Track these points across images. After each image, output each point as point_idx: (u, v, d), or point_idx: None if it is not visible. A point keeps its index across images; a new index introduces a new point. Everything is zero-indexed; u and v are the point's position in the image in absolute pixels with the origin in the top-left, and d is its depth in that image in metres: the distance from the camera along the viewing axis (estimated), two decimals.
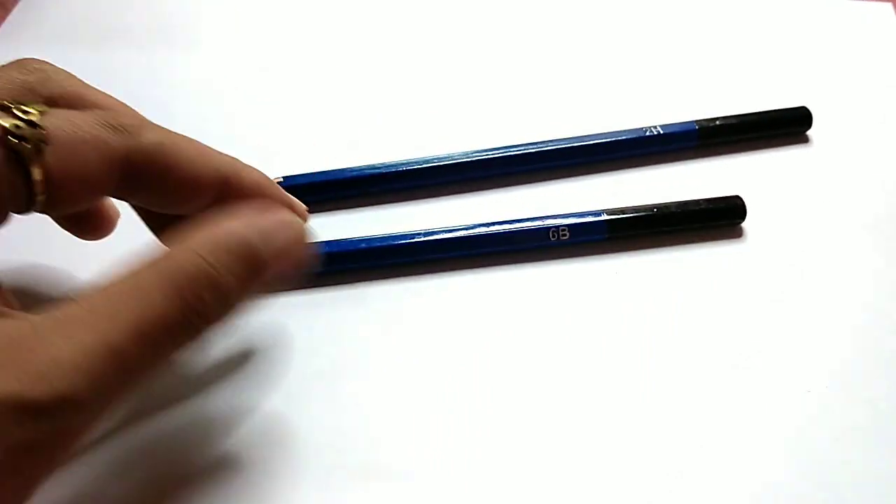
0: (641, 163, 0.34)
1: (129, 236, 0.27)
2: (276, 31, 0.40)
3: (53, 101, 0.24)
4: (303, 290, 0.29)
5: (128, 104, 0.25)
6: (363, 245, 0.29)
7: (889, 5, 0.41)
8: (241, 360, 0.27)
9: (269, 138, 0.34)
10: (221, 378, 0.27)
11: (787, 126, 0.35)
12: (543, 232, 0.30)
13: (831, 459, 0.25)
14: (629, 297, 0.29)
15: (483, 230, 0.30)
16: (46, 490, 0.18)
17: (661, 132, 0.34)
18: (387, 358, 0.27)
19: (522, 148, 0.33)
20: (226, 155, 0.24)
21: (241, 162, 0.24)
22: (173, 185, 0.22)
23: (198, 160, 0.23)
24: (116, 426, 0.25)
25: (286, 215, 0.22)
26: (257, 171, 0.24)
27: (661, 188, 0.32)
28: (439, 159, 0.32)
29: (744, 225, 0.31)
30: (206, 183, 0.23)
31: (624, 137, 0.33)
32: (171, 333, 0.19)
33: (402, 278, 0.29)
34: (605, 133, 0.34)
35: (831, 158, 0.34)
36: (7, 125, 0.19)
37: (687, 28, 0.40)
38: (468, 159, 0.32)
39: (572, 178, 0.33)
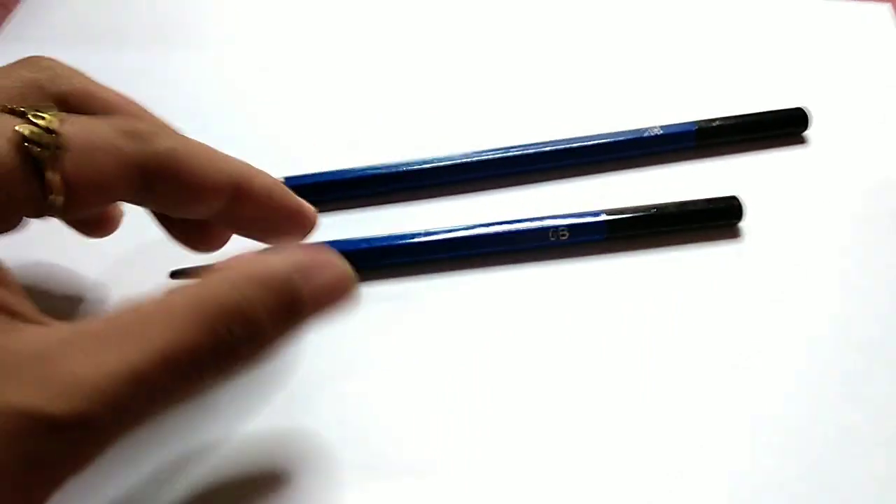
0: (640, 163, 0.34)
1: (132, 235, 0.28)
2: (276, 31, 0.40)
3: (63, 99, 0.25)
4: None
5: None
6: (363, 245, 0.30)
7: (887, 6, 0.41)
8: None
9: (270, 138, 0.35)
10: None
11: (785, 127, 0.35)
12: (543, 232, 0.30)
13: (831, 459, 0.25)
14: (628, 297, 0.29)
15: (483, 230, 0.30)
16: None
17: (661, 133, 0.34)
18: (387, 358, 0.27)
19: (522, 148, 0.33)
20: (237, 160, 0.24)
21: (252, 166, 0.24)
22: (186, 190, 0.22)
23: (210, 166, 0.23)
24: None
25: (330, 256, 0.22)
26: (268, 175, 0.24)
27: (660, 188, 0.33)
28: (439, 160, 0.33)
29: (741, 225, 0.31)
30: (219, 188, 0.23)
31: (623, 138, 0.33)
32: (198, 364, 0.19)
33: (403, 278, 0.30)
34: (604, 134, 0.34)
35: (828, 159, 0.34)
36: (25, 132, 0.19)
37: (686, 29, 0.40)
38: (468, 160, 0.33)
39: (572, 179, 0.33)
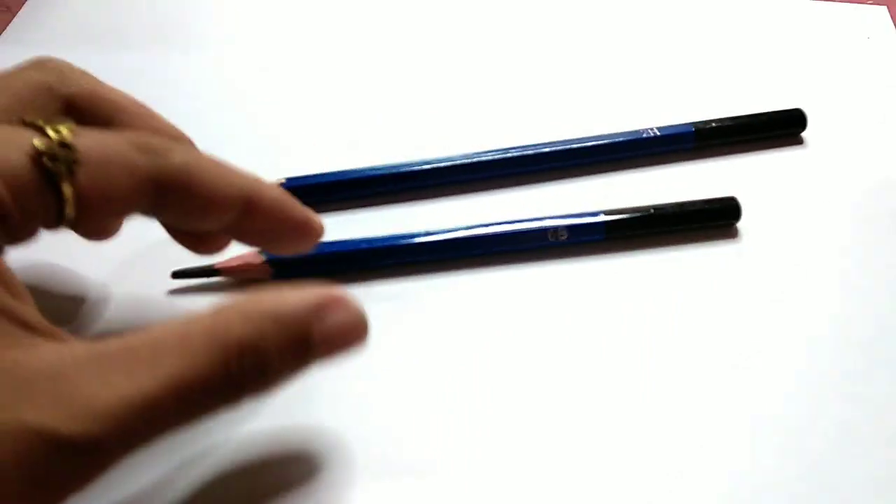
0: (639, 164, 0.34)
1: (134, 235, 0.28)
2: (276, 31, 0.40)
3: (71, 100, 0.25)
4: None
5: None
6: (364, 245, 0.30)
7: (884, 8, 0.41)
8: None
9: (270, 139, 0.35)
10: None
11: (783, 128, 0.35)
12: (542, 232, 0.30)
13: (831, 459, 0.25)
14: (627, 297, 0.29)
15: (482, 231, 0.30)
16: None
17: (659, 134, 0.34)
18: (387, 358, 0.27)
19: (522, 149, 0.33)
20: (247, 173, 0.24)
21: (262, 180, 0.24)
22: (198, 204, 0.23)
23: (221, 180, 0.23)
24: None
25: (345, 298, 0.22)
26: (278, 188, 0.24)
27: (659, 189, 0.33)
28: (439, 160, 0.33)
29: (739, 225, 0.31)
30: (231, 202, 0.23)
31: (622, 139, 0.34)
32: (207, 395, 0.19)
33: (403, 278, 0.30)
34: (603, 135, 0.34)
35: (826, 160, 0.34)
36: (41, 146, 0.20)
37: (684, 31, 0.40)
38: (468, 161, 0.33)
39: (571, 180, 0.33)
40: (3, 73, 0.25)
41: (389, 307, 0.29)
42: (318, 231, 0.25)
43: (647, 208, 0.31)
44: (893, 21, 0.41)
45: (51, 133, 0.20)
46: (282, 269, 0.29)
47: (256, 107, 0.36)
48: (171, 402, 0.18)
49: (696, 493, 0.24)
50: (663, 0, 0.42)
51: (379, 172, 0.32)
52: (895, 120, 0.36)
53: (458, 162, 0.33)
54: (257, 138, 0.34)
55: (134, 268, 0.29)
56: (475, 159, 0.33)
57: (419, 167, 0.32)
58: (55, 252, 0.29)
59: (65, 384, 0.17)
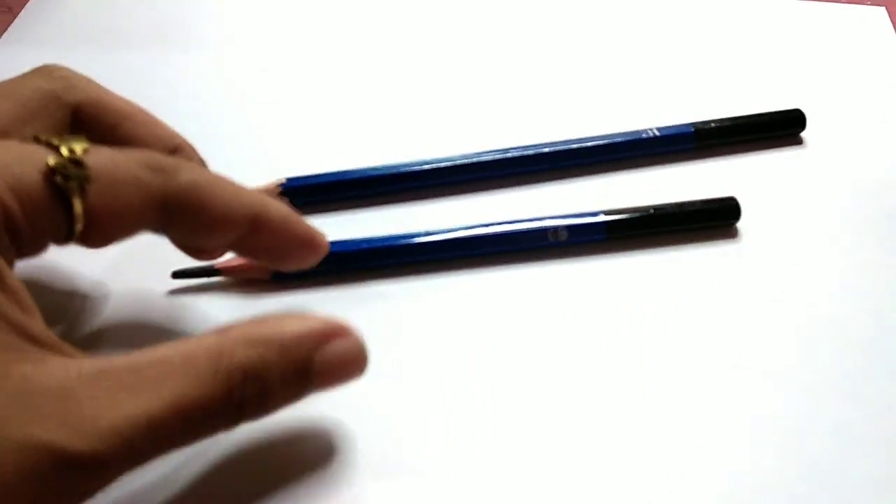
0: (639, 164, 0.34)
1: (132, 241, 0.28)
2: (276, 31, 0.40)
3: (78, 108, 0.25)
4: (305, 290, 0.29)
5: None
6: (364, 245, 0.30)
7: (882, 9, 0.42)
8: None
9: (270, 139, 0.35)
10: None
11: (782, 128, 0.35)
12: (542, 232, 0.30)
13: (831, 459, 0.25)
14: (627, 297, 0.29)
15: (482, 231, 0.30)
16: None
17: (658, 134, 0.34)
18: (387, 357, 0.27)
19: (522, 150, 0.33)
20: (254, 191, 0.24)
21: (268, 197, 0.24)
22: (206, 223, 0.23)
23: (229, 199, 0.23)
24: None
25: (346, 329, 0.23)
26: (283, 206, 0.25)
27: (658, 189, 0.33)
28: (439, 161, 0.33)
29: (739, 225, 0.31)
30: (237, 221, 0.23)
31: (622, 139, 0.34)
32: (209, 417, 0.20)
33: (403, 278, 0.30)
34: (603, 135, 0.34)
35: (825, 160, 0.34)
36: (53, 163, 0.20)
37: (684, 32, 0.40)
38: (468, 161, 0.33)
39: (571, 180, 0.33)
40: (10, 82, 0.25)
41: (389, 307, 0.29)
42: (323, 247, 0.26)
43: (647, 208, 0.31)
44: (892, 21, 0.41)
45: (64, 151, 0.20)
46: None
47: (256, 107, 0.36)
48: (174, 422, 0.19)
49: (696, 493, 0.24)
50: (663, 0, 0.42)
51: (379, 172, 0.32)
52: (894, 120, 0.36)
53: (458, 162, 0.33)
54: (257, 138, 0.35)
55: (133, 267, 0.29)
56: (475, 159, 0.33)
57: (419, 167, 0.32)
58: (55, 252, 0.29)
59: (72, 401, 0.18)
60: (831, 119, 0.36)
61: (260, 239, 0.24)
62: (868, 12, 0.41)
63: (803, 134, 0.35)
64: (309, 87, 0.37)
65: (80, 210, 0.20)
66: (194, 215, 0.23)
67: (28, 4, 0.41)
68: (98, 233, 0.21)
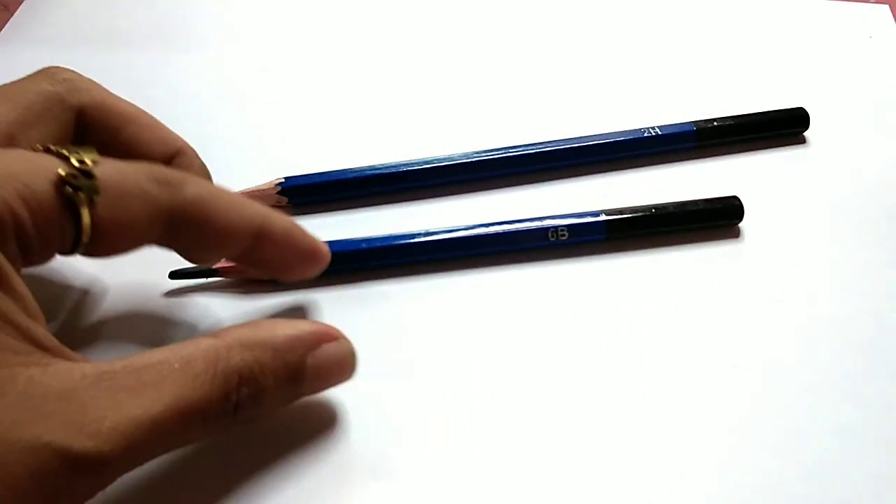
0: (640, 163, 0.34)
1: None
2: (276, 31, 0.40)
3: (82, 111, 0.25)
4: (305, 290, 0.29)
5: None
6: (364, 245, 0.30)
7: (886, 7, 0.41)
8: None
9: (270, 139, 0.35)
10: None
11: (785, 127, 0.35)
12: (543, 232, 0.30)
13: (831, 459, 0.25)
14: (628, 297, 0.29)
15: (483, 230, 0.30)
16: None
17: (660, 133, 0.34)
18: (387, 357, 0.27)
19: (522, 149, 0.33)
20: (258, 204, 0.25)
21: (271, 210, 0.25)
22: (210, 236, 0.23)
23: (233, 212, 0.23)
24: None
25: (337, 334, 0.24)
26: (287, 218, 0.25)
27: (660, 189, 0.33)
28: (439, 160, 0.33)
29: (741, 225, 0.31)
30: (241, 234, 0.24)
31: (622, 138, 0.34)
32: (206, 419, 0.20)
33: (403, 278, 0.30)
34: (603, 134, 0.34)
35: (828, 159, 0.34)
36: (64, 173, 0.20)
37: (685, 30, 0.40)
38: (468, 160, 0.33)
39: (571, 179, 0.33)
40: (14, 85, 0.25)
41: (389, 307, 0.29)
42: (325, 258, 0.26)
43: (648, 208, 0.31)
44: None
45: (74, 162, 0.21)
46: None
47: (256, 107, 0.36)
48: (174, 423, 0.19)
49: (696, 493, 0.24)
50: (663, 0, 0.42)
51: (379, 172, 0.32)
52: None
53: (458, 162, 0.33)
54: (257, 138, 0.35)
55: (131, 266, 0.29)
56: (475, 159, 0.33)
57: (419, 167, 0.32)
58: None
59: (76, 403, 0.18)
60: (835, 118, 0.36)
61: (263, 251, 0.24)
62: (871, 11, 0.41)
63: (807, 133, 0.35)
64: (308, 87, 0.37)
65: (88, 221, 0.20)
66: (199, 229, 0.23)
67: (25, 2, 0.41)
68: (104, 244, 0.21)
